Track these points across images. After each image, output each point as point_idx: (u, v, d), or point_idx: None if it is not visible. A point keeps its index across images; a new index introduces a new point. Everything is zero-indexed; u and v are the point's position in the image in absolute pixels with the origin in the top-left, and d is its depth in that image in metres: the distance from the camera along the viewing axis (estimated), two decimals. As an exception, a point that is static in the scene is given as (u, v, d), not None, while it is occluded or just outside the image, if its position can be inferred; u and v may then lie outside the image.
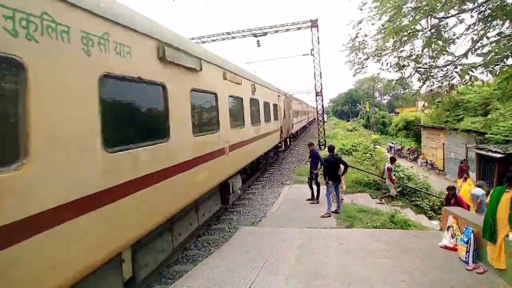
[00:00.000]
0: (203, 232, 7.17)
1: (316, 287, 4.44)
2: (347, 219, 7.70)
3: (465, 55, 6.02)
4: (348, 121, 67.66)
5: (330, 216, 7.83)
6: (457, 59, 6.12)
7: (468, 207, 7.69)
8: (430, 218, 12.42)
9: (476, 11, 5.65)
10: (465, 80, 5.96)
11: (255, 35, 25.58)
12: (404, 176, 14.50)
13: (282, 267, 5.07)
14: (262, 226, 7.45)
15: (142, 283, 4.53)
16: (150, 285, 4.97)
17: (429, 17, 6.08)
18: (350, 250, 5.69)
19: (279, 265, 5.15)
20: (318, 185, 9.24)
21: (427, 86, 7.38)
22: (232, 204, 9.31)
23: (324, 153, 12.95)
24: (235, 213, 8.62)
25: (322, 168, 8.66)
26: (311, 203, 9.21)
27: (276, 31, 25.20)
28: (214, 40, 26.43)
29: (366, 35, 7.65)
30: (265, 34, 25.47)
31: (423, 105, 8.50)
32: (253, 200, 9.91)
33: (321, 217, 7.80)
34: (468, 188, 11.69)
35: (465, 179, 12.55)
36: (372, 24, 7.17)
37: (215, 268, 5.13)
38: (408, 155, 30.55)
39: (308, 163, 12.54)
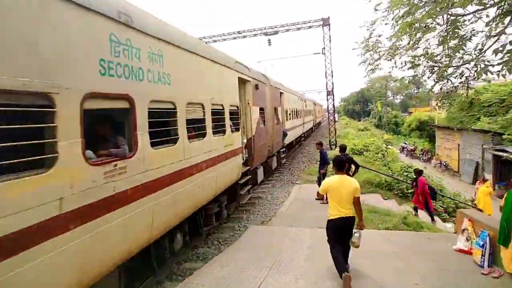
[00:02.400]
0: (213, 230, 7.22)
1: (326, 287, 4.41)
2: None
3: (482, 52, 5.85)
4: (360, 120, 66.74)
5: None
6: (476, 58, 5.94)
7: (429, 191, 9.68)
8: (444, 220, 12.14)
9: (495, 6, 5.47)
10: (480, 77, 5.79)
11: (266, 34, 25.55)
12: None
13: (291, 267, 5.06)
14: (272, 225, 7.45)
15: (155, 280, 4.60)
16: (160, 282, 5.05)
17: (445, 13, 5.93)
18: (361, 251, 5.60)
19: (288, 265, 5.13)
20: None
21: (442, 85, 7.22)
22: (242, 203, 9.35)
23: (334, 152, 12.81)
24: (245, 212, 8.65)
25: (329, 167, 8.60)
26: (321, 202, 9.13)
27: (287, 30, 25.09)
28: (224, 40, 26.55)
29: (379, 35, 7.53)
30: (276, 33, 25.41)
31: (436, 104, 8.31)
32: (263, 199, 9.92)
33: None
34: (486, 190, 11.38)
35: (484, 181, 12.22)
36: (386, 24, 7.05)
37: (225, 267, 5.16)
38: (421, 156, 29.95)
39: (318, 162, 12.47)
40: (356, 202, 4.41)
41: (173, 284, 4.93)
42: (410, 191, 13.28)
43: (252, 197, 10.25)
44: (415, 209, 9.94)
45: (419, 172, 10.01)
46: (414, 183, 9.86)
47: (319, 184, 9.29)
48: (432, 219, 9.50)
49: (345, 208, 4.34)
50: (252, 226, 7.27)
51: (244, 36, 25.97)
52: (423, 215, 9.83)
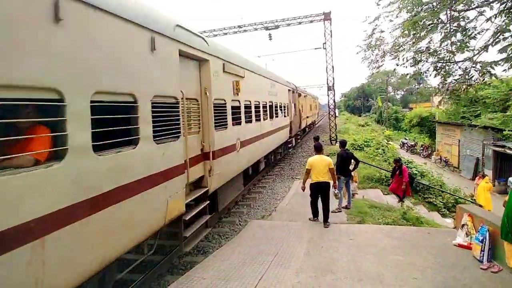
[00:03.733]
0: (214, 224, 7.25)
1: (326, 282, 4.44)
2: (358, 214, 7.64)
3: (485, 48, 5.81)
4: (360, 116, 66.63)
5: (341, 211, 7.79)
6: (477, 53, 5.91)
7: (409, 179, 10.09)
8: (444, 215, 12.20)
9: (498, 2, 5.43)
10: (484, 78, 5.78)
11: (267, 28, 25.34)
12: (417, 172, 14.24)
13: (292, 261, 5.09)
14: (272, 219, 7.49)
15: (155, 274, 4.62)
16: (162, 274, 5.09)
17: (449, 10, 5.88)
18: (360, 245, 5.66)
19: (289, 259, 5.17)
20: None
21: (443, 81, 7.19)
22: (242, 198, 9.39)
23: (335, 148, 12.79)
24: (245, 207, 8.68)
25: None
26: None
27: (288, 24, 24.88)
28: (225, 34, 26.34)
29: (383, 31, 7.47)
30: (277, 27, 25.19)
31: (441, 101, 8.30)
32: (263, 194, 9.95)
33: (332, 212, 7.76)
34: (486, 186, 11.41)
35: (483, 176, 12.28)
36: (390, 20, 6.98)
37: (226, 260, 5.20)
38: (421, 151, 29.95)
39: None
40: (331, 172, 6.62)
41: (174, 277, 4.97)
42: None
43: (253, 191, 10.28)
44: (399, 198, 10.12)
45: (399, 161, 10.21)
46: (397, 172, 9.85)
47: None
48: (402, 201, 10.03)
49: (322, 176, 6.56)
50: (252, 221, 7.30)
51: (245, 31, 25.77)
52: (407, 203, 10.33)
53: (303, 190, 7.01)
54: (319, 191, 6.63)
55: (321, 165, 6.55)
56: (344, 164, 8.08)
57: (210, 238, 6.61)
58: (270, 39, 27.11)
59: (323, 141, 24.40)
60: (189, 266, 5.29)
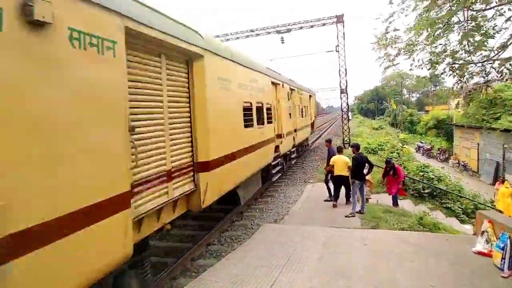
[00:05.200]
0: (226, 227, 7.29)
1: (339, 287, 4.38)
2: (372, 219, 7.51)
3: (504, 48, 5.64)
4: (374, 119, 65.53)
5: (354, 216, 7.67)
6: (496, 54, 5.74)
7: (404, 179, 10.61)
8: (462, 221, 11.83)
9: None
10: (504, 76, 5.60)
11: (279, 32, 25.43)
12: (434, 177, 13.87)
13: (305, 266, 5.05)
14: (285, 223, 7.45)
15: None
16: (175, 277, 5.15)
17: (467, 9, 5.75)
18: (375, 251, 5.55)
19: (302, 263, 5.13)
20: (327, 182, 9.42)
21: (460, 82, 7.00)
22: (254, 201, 9.40)
23: (348, 152, 12.63)
24: (257, 210, 8.68)
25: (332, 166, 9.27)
26: (325, 200, 9.22)
27: (301, 28, 24.89)
28: (238, 38, 26.60)
29: (397, 29, 7.33)
30: (289, 31, 25.24)
31: (458, 103, 8.09)
32: (276, 198, 9.92)
33: (345, 216, 7.66)
34: (506, 191, 10.99)
35: (502, 181, 11.86)
36: (406, 15, 6.84)
37: (238, 264, 5.21)
38: (438, 155, 29.15)
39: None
40: (348, 168, 8.22)
41: (187, 280, 5.01)
42: (426, 191, 13.01)
43: (265, 195, 10.27)
44: (393, 200, 9.64)
45: (390, 162, 9.88)
46: (391, 172, 9.48)
47: (326, 182, 9.26)
48: (397, 204, 9.59)
49: (341, 171, 8.33)
50: (265, 224, 7.29)
51: (257, 34, 25.94)
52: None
53: (326, 176, 9.42)
54: (340, 182, 8.54)
55: (341, 163, 8.32)
56: (359, 168, 7.98)
57: (223, 242, 6.64)
58: (283, 42, 27.17)
59: (335, 145, 24.14)
60: (202, 269, 5.32)
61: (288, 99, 12.10)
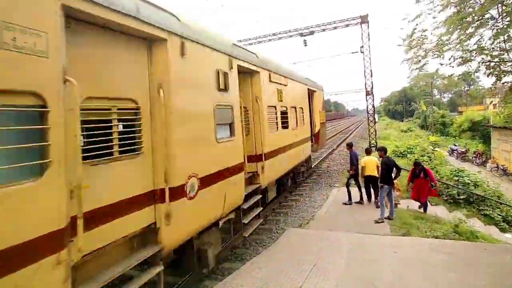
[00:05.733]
0: (251, 231, 7.28)
1: (368, 296, 4.22)
2: (402, 226, 7.18)
3: None
4: (402, 121, 63.05)
5: (383, 222, 7.38)
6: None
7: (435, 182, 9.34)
8: (503, 230, 11.01)
9: None
10: None
11: (301, 35, 25.30)
12: (470, 181, 13.04)
13: (331, 272, 4.92)
14: (310, 228, 7.32)
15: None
16: (201, 279, 5.21)
17: (500, 4, 5.41)
18: (406, 260, 5.30)
19: (328, 270, 5.00)
20: (356, 186, 9.36)
21: (497, 81, 6.58)
22: (279, 205, 9.34)
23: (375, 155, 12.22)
24: (282, 214, 8.61)
25: (355, 169, 9.26)
26: (343, 203, 9.14)
27: (323, 30, 24.62)
28: (260, 42, 26.77)
29: (424, 30, 7.07)
30: (312, 33, 25.05)
31: (494, 104, 7.62)
32: (301, 202, 9.79)
33: (374, 222, 7.40)
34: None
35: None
36: (434, 17, 6.59)
37: (263, 268, 5.18)
38: (474, 158, 27.38)
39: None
40: (377, 169, 8.32)
41: (212, 283, 5.05)
42: (462, 197, 12.27)
43: (289, 199, 10.17)
44: (424, 205, 9.01)
45: (420, 164, 9.34)
46: (421, 174, 8.81)
47: (347, 185, 9.04)
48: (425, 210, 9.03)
49: (371, 172, 8.53)
50: (289, 229, 7.21)
51: (280, 38, 25.97)
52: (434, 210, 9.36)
53: (362, 178, 9.01)
54: (370, 181, 8.77)
55: (372, 163, 8.61)
56: (388, 172, 7.73)
57: (247, 245, 6.64)
58: (305, 45, 27.00)
59: (361, 147, 23.48)
60: (227, 273, 5.35)
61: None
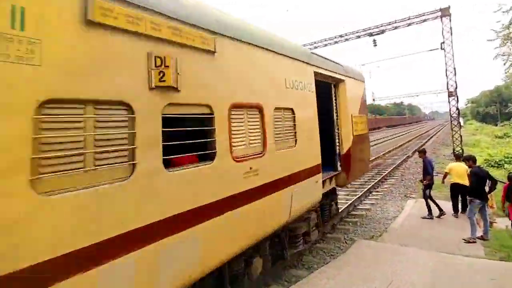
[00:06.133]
0: (318, 240, 7.05)
1: (459, 327, 3.66)
2: (501, 248, 6.08)
3: None
4: (496, 125, 53.93)
5: (475, 242, 6.36)
6: None
7: None
8: None
9: None
10: None
11: (371, 34, 23.89)
12: None
13: (411, 293, 4.42)
14: (383, 241, 6.75)
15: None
16: (267, 284, 5.23)
17: None
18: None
19: (407, 290, 4.51)
20: (426, 197, 8.15)
21: None
22: (347, 214, 8.87)
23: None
24: (351, 224, 8.15)
25: (430, 179, 8.12)
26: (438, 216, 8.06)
27: (395, 28, 22.81)
28: (326, 45, 26.15)
29: None
30: (382, 32, 23.44)
31: None
32: (372, 212, 9.13)
33: (464, 241, 6.44)
34: None
35: None
36: None
37: (331, 279, 4.94)
38: None
39: (439, 174, 10.83)
40: (467, 176, 7.38)
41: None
42: None
43: (359, 208, 9.58)
44: None
45: None
46: None
47: (425, 198, 8.01)
48: None
49: (461, 179, 7.72)
50: (360, 240, 6.76)
51: (347, 39, 24.95)
52: None
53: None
54: (459, 191, 7.98)
55: (462, 169, 7.79)
56: (480, 185, 6.66)
57: (314, 254, 6.44)
58: (375, 45, 25.39)
59: (443, 155, 20.82)
60: (294, 280, 5.26)
61: None
